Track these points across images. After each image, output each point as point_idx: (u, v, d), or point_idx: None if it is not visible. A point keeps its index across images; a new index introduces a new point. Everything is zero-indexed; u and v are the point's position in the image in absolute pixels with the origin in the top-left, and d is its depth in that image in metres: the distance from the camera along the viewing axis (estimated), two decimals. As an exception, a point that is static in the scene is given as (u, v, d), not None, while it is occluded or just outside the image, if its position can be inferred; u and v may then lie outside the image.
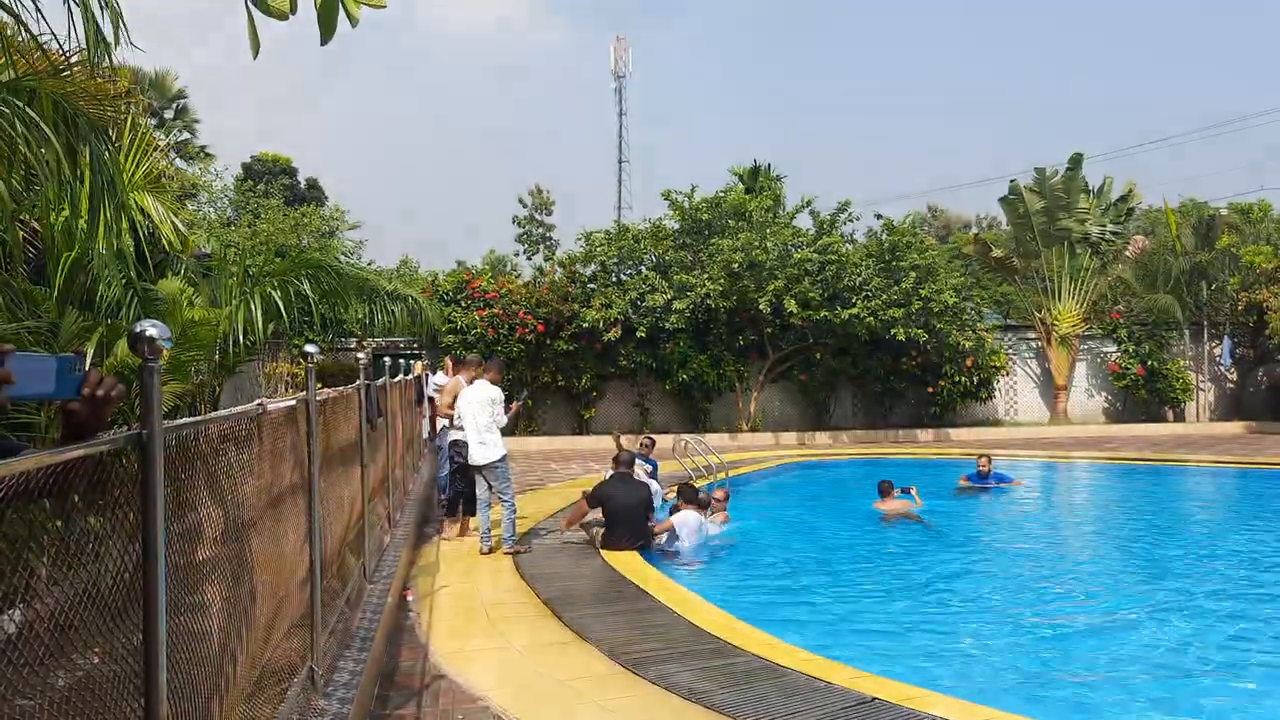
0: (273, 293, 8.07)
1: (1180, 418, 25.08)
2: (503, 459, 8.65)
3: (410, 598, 7.00)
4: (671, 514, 9.52)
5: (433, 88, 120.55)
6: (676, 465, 14.21)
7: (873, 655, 6.03)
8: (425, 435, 14.19)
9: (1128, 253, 26.72)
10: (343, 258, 28.55)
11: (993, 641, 6.46)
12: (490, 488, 8.71)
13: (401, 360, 12.02)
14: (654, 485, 11.50)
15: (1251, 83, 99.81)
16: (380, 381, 8.15)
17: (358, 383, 6.53)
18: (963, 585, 8.25)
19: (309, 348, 4.28)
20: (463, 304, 21.13)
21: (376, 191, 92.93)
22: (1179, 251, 25.23)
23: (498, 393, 8.74)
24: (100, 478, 1.91)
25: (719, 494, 10.80)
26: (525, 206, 41.45)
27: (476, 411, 8.61)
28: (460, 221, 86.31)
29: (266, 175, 35.25)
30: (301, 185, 38.92)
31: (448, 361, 12.44)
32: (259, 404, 3.08)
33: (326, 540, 4.83)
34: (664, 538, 9.06)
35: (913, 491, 12.14)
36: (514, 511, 8.74)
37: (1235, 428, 24.07)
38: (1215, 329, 25.51)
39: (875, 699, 4.63)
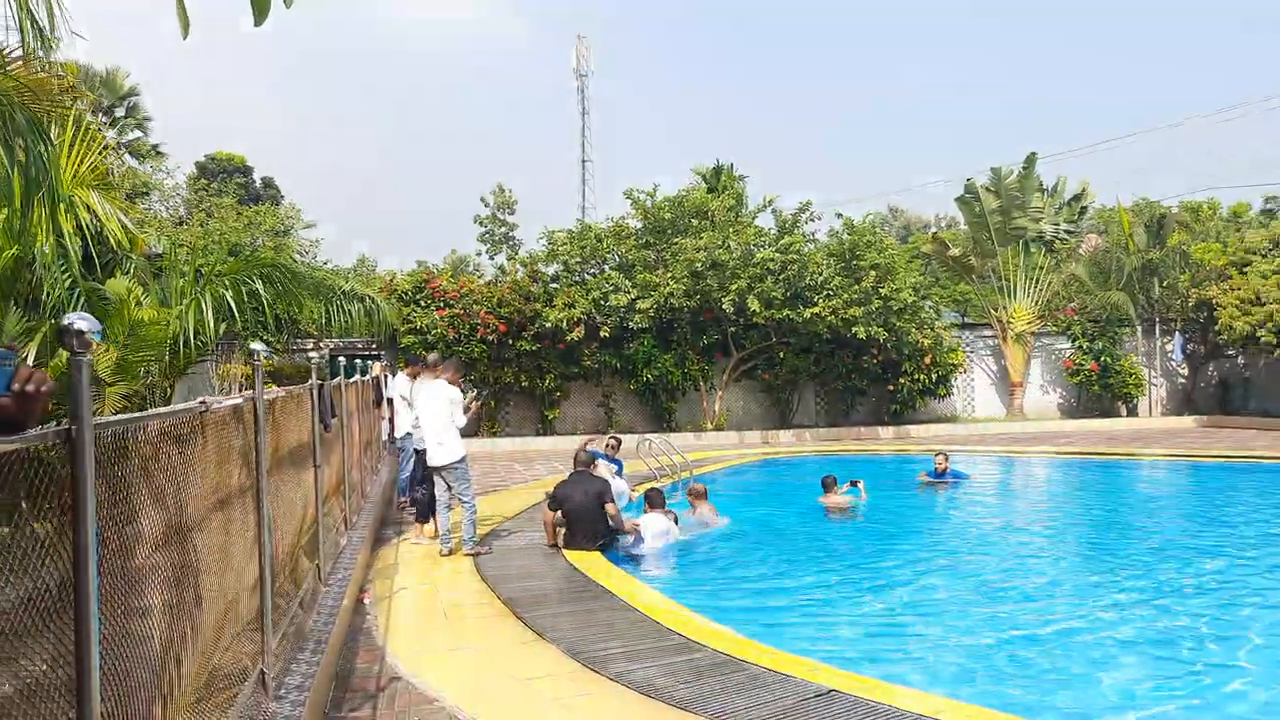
0: (224, 292, 7.91)
1: (1133, 413, 25.63)
2: (462, 460, 8.55)
3: (367, 600, 6.91)
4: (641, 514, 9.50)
5: (392, 87, 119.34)
6: (641, 464, 14.21)
7: (832, 648, 6.08)
8: (385, 437, 14.03)
9: (1081, 251, 27.23)
10: (298, 257, 28.16)
11: (950, 633, 6.53)
12: (449, 489, 8.62)
13: (359, 361, 11.85)
14: (621, 485, 11.46)
15: (1204, 82, 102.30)
16: (335, 381, 8.03)
17: (310, 382, 6.42)
18: (920, 579, 8.35)
19: (256, 345, 4.19)
20: (422, 304, 20.91)
21: (334, 191, 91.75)
22: (1131, 249, 25.79)
23: (456, 393, 8.66)
24: (27, 475, 1.85)
25: (697, 488, 10.38)
26: (487, 206, 41.08)
27: (435, 412, 8.52)
28: (420, 221, 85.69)
29: (221, 174, 34.64)
30: (257, 184, 38.31)
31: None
32: (201, 402, 3.01)
33: (277, 542, 4.74)
34: (630, 538, 9.03)
35: (860, 485, 12.29)
36: (474, 513, 8.65)
37: (1187, 422, 24.66)
38: (1167, 325, 26.13)
39: (833, 690, 4.67)
